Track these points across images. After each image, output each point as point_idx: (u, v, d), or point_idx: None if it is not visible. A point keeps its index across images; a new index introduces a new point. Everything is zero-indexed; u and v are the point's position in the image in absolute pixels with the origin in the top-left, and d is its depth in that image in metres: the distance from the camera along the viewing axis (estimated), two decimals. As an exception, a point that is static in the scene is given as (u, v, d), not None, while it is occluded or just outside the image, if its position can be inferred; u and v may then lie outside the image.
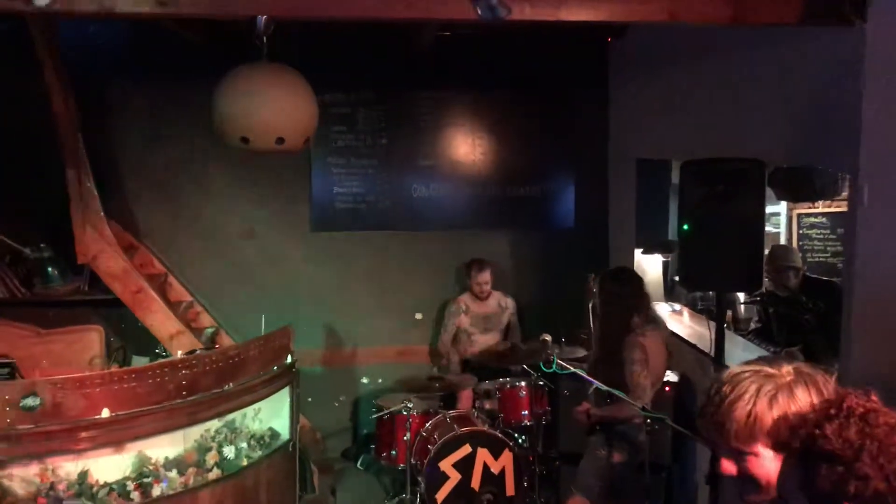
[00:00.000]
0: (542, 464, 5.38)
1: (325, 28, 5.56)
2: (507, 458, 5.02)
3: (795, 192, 5.47)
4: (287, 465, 4.93)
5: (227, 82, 4.47)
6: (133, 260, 5.82)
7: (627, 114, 6.15)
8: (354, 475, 6.12)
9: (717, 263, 3.57)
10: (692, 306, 5.81)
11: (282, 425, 4.93)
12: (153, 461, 4.19)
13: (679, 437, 4.71)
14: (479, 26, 5.38)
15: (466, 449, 5.01)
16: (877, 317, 2.96)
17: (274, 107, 4.41)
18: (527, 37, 6.14)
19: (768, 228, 5.51)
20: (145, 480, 4.06)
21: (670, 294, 6.06)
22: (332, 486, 5.82)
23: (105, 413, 3.86)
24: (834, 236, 6.83)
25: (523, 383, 5.39)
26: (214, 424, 4.49)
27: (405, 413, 5.25)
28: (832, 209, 6.80)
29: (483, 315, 6.25)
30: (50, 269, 5.72)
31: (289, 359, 4.96)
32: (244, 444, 4.58)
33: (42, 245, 5.70)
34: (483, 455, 5.02)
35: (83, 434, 3.83)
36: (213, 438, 4.47)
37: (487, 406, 5.50)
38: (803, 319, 4.44)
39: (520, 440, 5.34)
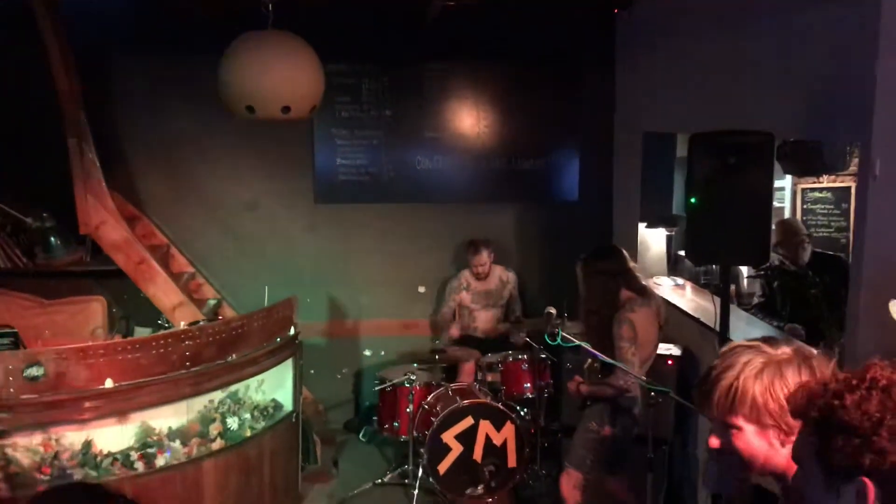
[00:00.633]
0: (544, 436, 5.40)
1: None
2: (509, 430, 5.04)
3: (803, 165, 5.43)
4: (290, 437, 4.95)
5: (232, 50, 4.42)
6: (135, 231, 5.80)
7: (634, 86, 6.09)
8: (357, 447, 6.15)
9: (725, 237, 3.54)
10: (695, 281, 5.80)
11: (285, 397, 4.95)
12: (157, 431, 4.21)
13: (681, 412, 4.71)
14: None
15: (469, 421, 5.04)
16: (885, 291, 2.94)
17: (280, 75, 4.36)
18: (533, 8, 6.06)
19: (773, 203, 5.48)
20: (149, 451, 4.08)
21: (674, 268, 6.04)
22: (335, 457, 5.85)
23: (108, 383, 3.87)
24: (838, 211, 6.81)
25: (525, 356, 5.40)
26: (218, 395, 4.50)
27: (408, 385, 5.26)
28: (836, 184, 6.77)
29: (484, 291, 6.24)
30: (52, 238, 5.70)
31: (292, 330, 4.97)
32: (247, 415, 4.60)
33: (44, 215, 5.67)
34: (485, 427, 5.04)
35: (87, 404, 3.85)
36: (216, 409, 4.49)
37: (490, 379, 5.52)
38: (809, 294, 4.42)
39: (522, 412, 5.35)
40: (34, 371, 3.68)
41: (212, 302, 6.11)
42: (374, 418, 5.69)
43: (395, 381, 5.37)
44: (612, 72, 6.41)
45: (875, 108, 2.88)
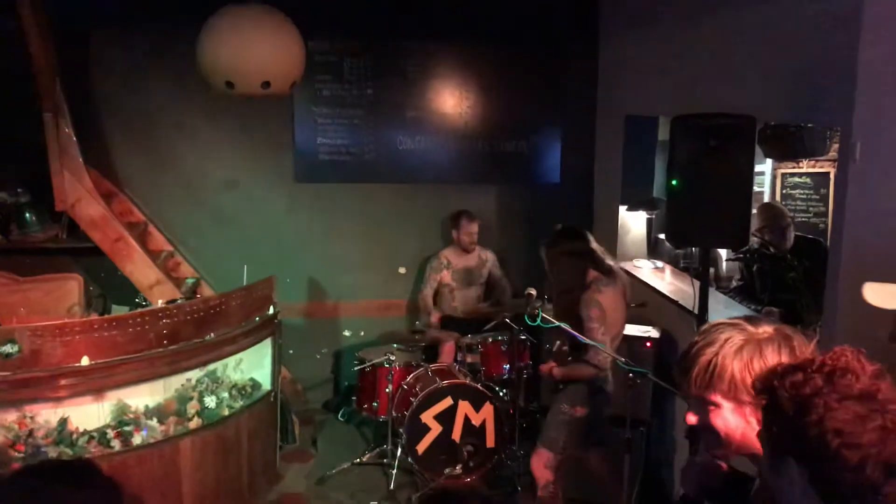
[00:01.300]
0: (523, 417, 5.42)
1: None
2: (487, 410, 5.05)
3: (784, 149, 5.45)
4: (268, 416, 4.95)
5: (212, 24, 4.37)
6: (112, 208, 5.73)
7: (617, 69, 6.08)
8: (335, 426, 6.14)
9: (705, 220, 3.54)
10: (675, 264, 5.82)
11: (263, 376, 4.94)
12: (133, 410, 4.19)
13: (659, 393, 4.74)
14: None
15: (448, 401, 5.04)
16: (863, 275, 2.96)
17: (260, 50, 4.31)
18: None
19: (753, 187, 5.51)
20: (126, 429, 4.07)
21: (653, 251, 6.06)
22: (314, 436, 5.84)
23: (85, 361, 3.84)
24: (817, 196, 6.84)
25: (504, 337, 5.41)
26: (195, 374, 4.49)
27: (387, 365, 5.26)
28: (816, 169, 6.80)
29: (464, 269, 6.23)
30: (28, 215, 5.63)
31: (271, 310, 4.95)
32: (225, 394, 4.59)
33: (19, 190, 5.59)
34: (464, 407, 5.05)
35: (62, 382, 3.83)
36: (194, 388, 4.48)
37: (469, 360, 5.53)
38: (788, 277, 4.45)
39: (501, 393, 5.37)
40: (8, 348, 3.64)
41: (190, 281, 6.05)
42: (354, 398, 5.69)
43: (374, 362, 5.36)
44: (596, 54, 6.39)
45: (856, 93, 2.89)
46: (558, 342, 4.30)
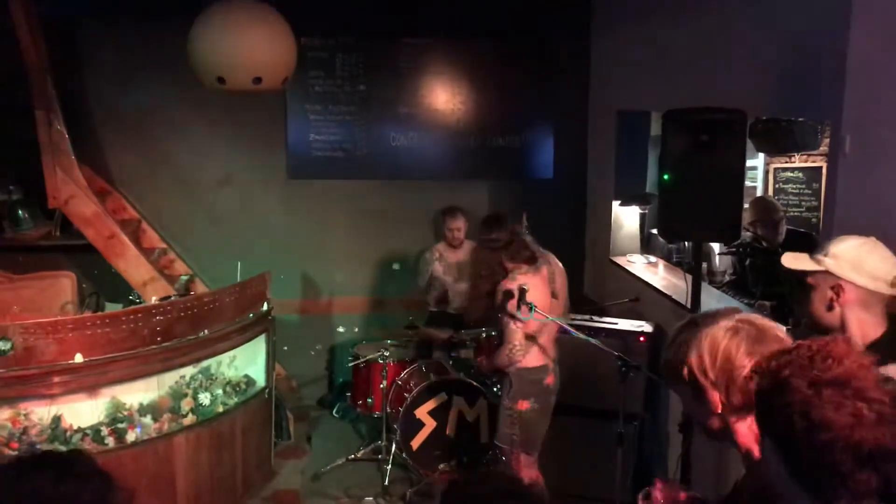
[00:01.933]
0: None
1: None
2: (482, 406, 5.06)
3: (775, 143, 5.47)
4: (263, 412, 4.95)
5: (203, 19, 4.36)
6: (105, 205, 5.71)
7: (609, 64, 6.09)
8: (330, 423, 6.15)
9: (697, 214, 3.56)
10: (667, 258, 5.84)
11: (257, 373, 4.94)
12: (127, 407, 4.19)
13: (651, 387, 4.76)
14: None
15: (442, 397, 5.06)
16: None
17: (251, 45, 4.31)
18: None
19: (745, 182, 5.53)
20: (120, 426, 4.07)
21: (646, 246, 6.07)
22: (308, 433, 5.85)
23: (78, 358, 3.84)
24: (809, 191, 6.86)
25: (497, 333, 5.42)
26: (189, 371, 4.49)
27: (381, 361, 5.27)
28: (808, 163, 6.82)
29: (456, 263, 6.22)
30: (20, 212, 5.61)
31: (265, 306, 4.95)
32: (220, 391, 4.59)
33: (12, 188, 5.58)
34: (458, 403, 5.07)
35: (56, 379, 3.82)
36: (188, 385, 4.48)
37: (463, 355, 5.53)
38: (780, 272, 4.45)
39: (495, 389, 5.37)
40: (1, 345, 3.64)
41: (184, 278, 6.05)
42: (348, 394, 5.70)
43: (368, 358, 5.37)
44: (588, 49, 6.40)
45: (846, 87, 2.91)
46: (484, 333, 4.30)
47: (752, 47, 3.80)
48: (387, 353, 5.29)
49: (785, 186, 7.00)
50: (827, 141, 4.98)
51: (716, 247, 5.63)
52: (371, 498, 4.98)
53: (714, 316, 1.78)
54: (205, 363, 4.57)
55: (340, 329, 6.66)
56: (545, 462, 4.86)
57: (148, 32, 5.88)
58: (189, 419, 4.35)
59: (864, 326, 2.24)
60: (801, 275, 2.34)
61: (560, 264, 4.35)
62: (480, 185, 6.57)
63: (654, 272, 5.55)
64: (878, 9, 2.87)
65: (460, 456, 5.04)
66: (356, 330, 6.62)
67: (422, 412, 5.06)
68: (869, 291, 2.23)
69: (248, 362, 4.91)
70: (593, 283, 6.44)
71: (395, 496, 5.01)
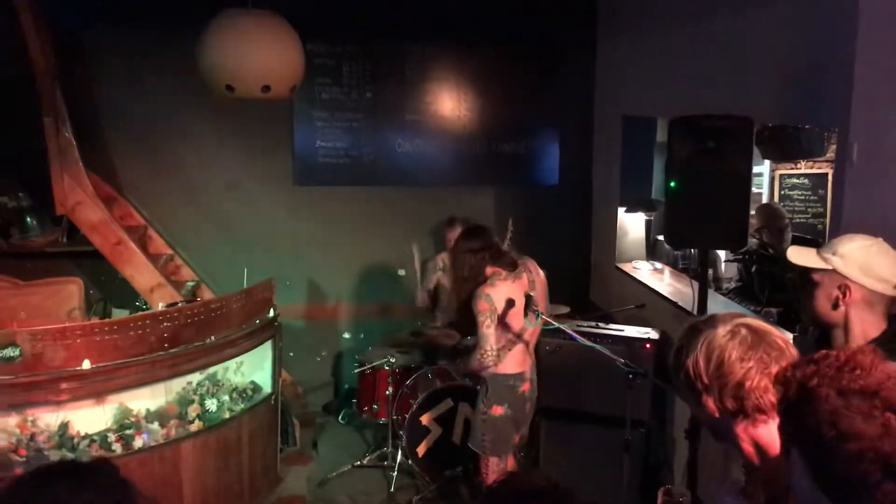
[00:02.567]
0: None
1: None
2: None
3: (782, 150, 5.47)
4: (269, 419, 4.96)
5: (212, 28, 4.38)
6: (112, 212, 5.74)
7: (615, 70, 6.10)
8: (336, 429, 6.15)
9: (704, 221, 3.56)
10: (673, 265, 5.84)
11: (264, 379, 4.94)
12: (134, 413, 4.20)
13: (658, 394, 4.76)
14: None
15: (448, 403, 5.05)
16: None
17: (260, 54, 4.33)
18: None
19: (752, 188, 5.53)
20: (127, 432, 4.08)
21: (652, 253, 6.08)
22: (314, 439, 5.85)
23: (86, 364, 3.84)
24: (815, 197, 6.86)
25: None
26: (196, 377, 4.50)
27: (387, 368, 5.27)
28: (813, 170, 6.82)
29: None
30: (28, 218, 5.64)
31: (271, 312, 4.96)
32: (226, 397, 4.60)
33: (20, 194, 5.60)
34: (464, 409, 5.06)
35: (63, 385, 3.83)
36: (194, 391, 4.48)
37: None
38: (787, 278, 4.46)
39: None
40: (10, 352, 3.65)
41: (190, 284, 6.07)
42: (354, 401, 5.70)
43: (374, 364, 5.37)
44: (593, 55, 6.42)
45: (853, 94, 2.91)
46: (468, 339, 4.28)
47: (759, 54, 3.80)
48: (392, 360, 5.29)
49: (790, 193, 7.01)
50: (833, 148, 4.99)
51: (722, 253, 5.63)
52: (377, 504, 4.98)
53: (715, 320, 1.79)
54: (211, 369, 4.58)
55: (346, 335, 6.66)
56: (551, 469, 4.87)
57: (156, 40, 5.91)
58: (196, 425, 4.35)
59: (866, 325, 2.26)
60: (807, 270, 2.34)
61: (541, 273, 4.31)
62: (486, 191, 6.58)
63: (659, 279, 5.55)
64: (886, 15, 2.87)
65: (466, 463, 5.04)
66: (362, 336, 6.62)
67: (427, 419, 5.06)
68: (874, 292, 2.24)
69: (254, 368, 4.92)
70: (599, 290, 6.44)
71: (401, 503, 5.01)
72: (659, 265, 5.78)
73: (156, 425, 4.23)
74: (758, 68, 3.81)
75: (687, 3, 4.74)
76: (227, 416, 4.53)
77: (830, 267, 2.28)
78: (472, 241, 4.11)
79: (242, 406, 4.66)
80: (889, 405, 1.30)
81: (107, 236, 5.55)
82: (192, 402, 4.42)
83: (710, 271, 5.33)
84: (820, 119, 3.64)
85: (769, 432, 1.66)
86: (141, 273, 5.61)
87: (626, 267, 5.84)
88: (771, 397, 1.64)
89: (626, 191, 5.94)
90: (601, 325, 4.99)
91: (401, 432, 5.11)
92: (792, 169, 6.97)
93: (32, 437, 3.85)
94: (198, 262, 6.32)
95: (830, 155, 5.68)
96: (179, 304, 4.97)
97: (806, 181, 6.92)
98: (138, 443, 4.09)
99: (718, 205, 3.52)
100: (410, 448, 5.05)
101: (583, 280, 6.65)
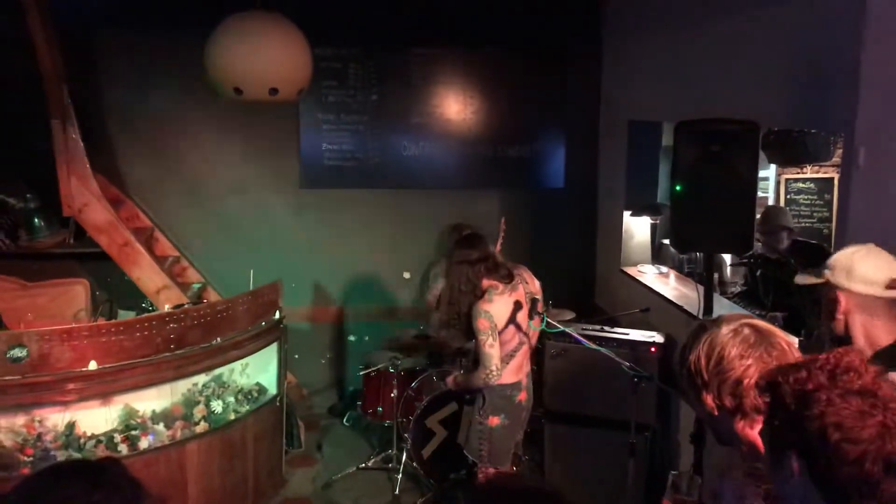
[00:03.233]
0: (528, 422, 5.41)
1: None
2: (493, 415, 5.05)
3: (787, 155, 5.47)
4: (274, 420, 4.97)
5: (220, 31, 4.41)
6: (119, 213, 5.76)
7: (621, 74, 6.10)
8: (341, 431, 6.15)
9: (709, 225, 3.56)
10: (679, 269, 5.84)
11: (269, 380, 4.95)
12: (140, 414, 4.22)
13: (663, 398, 4.75)
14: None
15: (452, 406, 5.05)
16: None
17: (268, 56, 4.35)
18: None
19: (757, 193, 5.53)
20: (133, 433, 4.09)
21: (657, 256, 6.07)
22: (319, 441, 5.86)
23: (92, 365, 3.86)
24: (821, 201, 6.85)
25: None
26: (202, 378, 4.51)
27: (392, 370, 5.28)
28: (819, 174, 6.81)
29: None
30: (36, 220, 5.66)
31: (277, 314, 4.97)
32: (232, 399, 4.61)
33: (28, 196, 5.63)
34: (469, 413, 5.05)
35: (70, 386, 3.85)
36: (200, 392, 4.50)
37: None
38: (792, 282, 4.45)
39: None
40: (17, 352, 3.66)
41: (196, 286, 6.09)
42: (359, 403, 5.70)
43: (379, 366, 5.38)
44: (599, 59, 6.42)
45: (860, 98, 2.91)
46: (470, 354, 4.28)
47: (765, 58, 3.80)
48: (397, 362, 5.30)
49: (796, 197, 7.00)
50: (839, 152, 4.98)
51: (727, 257, 5.63)
52: (381, 507, 4.98)
53: (720, 320, 1.80)
54: (217, 371, 4.59)
55: (351, 337, 6.67)
56: (556, 473, 4.87)
57: (163, 42, 5.93)
58: (201, 427, 4.37)
59: (872, 332, 2.27)
60: (812, 290, 2.38)
61: (536, 282, 4.31)
62: (492, 194, 6.58)
63: (665, 282, 5.54)
64: (892, 20, 2.87)
65: (471, 466, 5.03)
66: (367, 338, 6.62)
67: (432, 421, 5.06)
68: (867, 296, 2.25)
69: (259, 370, 4.93)
70: (604, 293, 6.44)
71: (406, 505, 5.01)
72: (664, 269, 5.78)
73: (161, 426, 4.24)
74: (764, 72, 3.81)
75: (692, 7, 4.74)
76: (232, 417, 4.54)
77: (823, 280, 2.32)
78: (469, 251, 4.07)
79: (248, 408, 4.68)
80: (884, 404, 1.31)
81: (113, 238, 5.58)
82: (198, 403, 4.44)
83: (716, 275, 5.33)
84: (826, 123, 3.64)
85: None
86: (147, 275, 5.63)
87: (632, 271, 5.85)
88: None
89: (632, 194, 5.94)
90: (606, 328, 4.99)
91: (405, 435, 5.11)
92: (798, 173, 6.96)
93: (39, 437, 3.87)
94: (204, 264, 6.33)
95: (836, 159, 5.68)
96: (185, 306, 4.99)
97: (812, 186, 6.91)
98: (144, 444, 4.11)
99: (724, 209, 3.52)
100: (415, 451, 5.05)
101: (588, 284, 6.65)
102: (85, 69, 5.88)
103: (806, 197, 6.95)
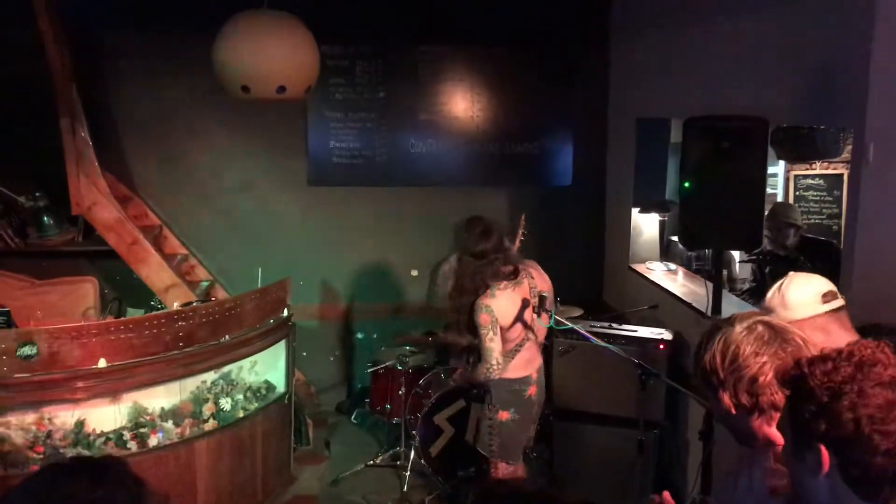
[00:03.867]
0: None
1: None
2: (501, 413, 5.04)
3: (797, 151, 5.44)
4: (282, 418, 4.98)
5: (228, 30, 4.41)
6: (127, 211, 5.78)
7: (629, 70, 6.08)
8: (349, 428, 6.16)
9: (718, 222, 3.55)
10: (687, 266, 5.82)
11: (277, 378, 4.96)
12: (149, 412, 4.23)
13: (672, 395, 4.74)
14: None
15: (460, 404, 5.05)
16: (876, 276, 2.97)
17: (276, 54, 4.35)
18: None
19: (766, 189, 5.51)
20: (142, 430, 4.10)
21: (666, 253, 6.06)
22: (327, 438, 5.87)
23: (101, 363, 3.87)
24: (830, 198, 6.83)
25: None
26: (210, 376, 4.52)
27: (400, 368, 5.28)
28: (828, 171, 6.79)
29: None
30: (45, 218, 5.68)
31: (285, 312, 4.98)
32: (240, 396, 4.62)
33: (37, 194, 5.65)
34: (477, 410, 5.05)
35: (80, 384, 3.87)
36: (209, 390, 4.51)
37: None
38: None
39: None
40: (27, 350, 3.68)
41: (204, 284, 6.11)
42: (367, 400, 5.71)
43: (387, 364, 5.39)
44: (607, 56, 6.40)
45: (869, 94, 2.90)
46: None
47: (774, 54, 3.78)
48: (405, 360, 5.30)
49: (805, 193, 6.97)
50: (849, 148, 4.96)
51: (736, 254, 5.61)
52: (390, 504, 4.99)
53: (733, 319, 1.79)
54: (226, 368, 4.60)
55: (359, 335, 6.68)
56: (565, 470, 4.87)
57: (171, 41, 5.93)
58: (210, 424, 4.38)
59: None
60: None
61: (545, 276, 4.29)
62: (499, 191, 6.57)
63: (673, 279, 5.53)
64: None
65: (479, 463, 5.04)
66: (375, 336, 6.63)
67: (440, 419, 5.06)
68: (813, 318, 2.27)
69: (268, 368, 4.94)
70: (612, 290, 6.43)
71: (414, 503, 5.01)
72: (673, 266, 5.76)
73: (170, 424, 4.25)
74: (772, 69, 3.79)
75: (701, 3, 4.72)
76: (241, 415, 4.55)
77: None
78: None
79: (256, 405, 4.69)
80: None
81: (122, 236, 5.59)
82: (207, 400, 4.45)
83: (725, 272, 5.31)
84: (835, 119, 3.63)
85: None
86: (156, 273, 5.65)
87: (640, 268, 5.83)
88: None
89: (640, 191, 5.92)
90: (614, 325, 4.98)
91: (413, 432, 5.12)
92: (807, 170, 6.94)
93: (49, 434, 3.89)
94: (212, 262, 6.35)
95: (846, 155, 5.66)
96: (194, 304, 5.00)
97: (821, 182, 6.88)
98: (153, 441, 4.12)
99: (733, 206, 3.51)
100: (423, 448, 5.06)
101: (596, 281, 6.63)
102: (93, 68, 5.89)
103: (815, 193, 6.93)
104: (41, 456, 3.78)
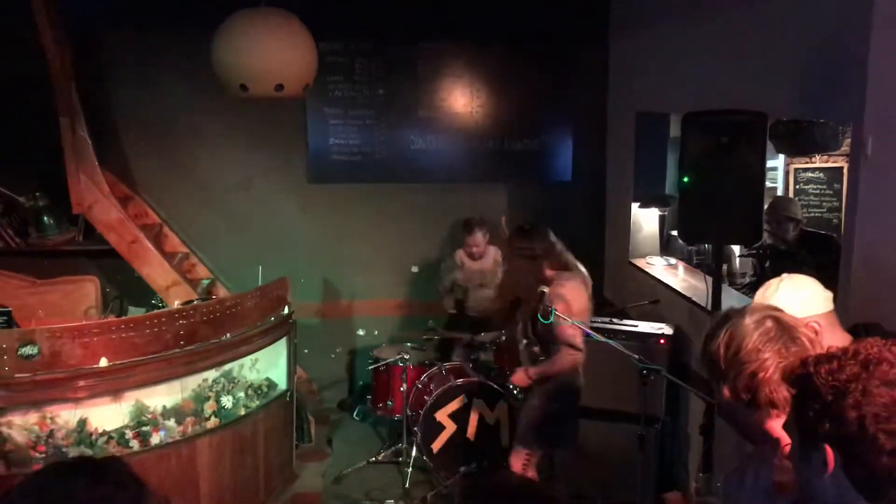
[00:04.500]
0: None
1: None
2: (502, 409, 5.06)
3: (796, 144, 5.44)
4: (284, 415, 4.99)
5: (225, 28, 4.41)
6: (128, 210, 5.79)
7: (628, 66, 6.08)
8: (350, 425, 6.17)
9: (718, 216, 3.54)
10: (688, 260, 5.82)
11: (279, 376, 4.97)
12: (151, 410, 4.23)
13: (672, 390, 4.74)
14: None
15: (462, 400, 5.06)
16: (876, 271, 2.97)
17: (273, 53, 4.36)
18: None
19: (766, 182, 5.50)
20: (144, 429, 4.11)
21: (666, 248, 6.05)
22: (329, 436, 5.88)
23: (103, 362, 3.88)
24: (830, 191, 6.82)
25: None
26: (212, 374, 4.52)
27: (401, 364, 5.29)
28: (829, 164, 6.78)
29: (479, 271, 6.20)
30: (45, 218, 5.68)
31: (286, 310, 4.99)
32: (242, 394, 4.63)
33: (37, 194, 5.66)
34: (478, 406, 5.07)
35: (81, 383, 3.87)
36: (210, 388, 4.51)
37: (483, 358, 5.53)
38: (801, 273, 4.43)
39: (515, 392, 5.37)
40: (29, 350, 3.69)
41: (205, 282, 6.11)
42: (368, 397, 5.72)
43: (388, 361, 5.39)
44: (606, 51, 6.39)
45: (868, 87, 2.89)
46: (525, 341, 4.32)
47: (773, 48, 3.78)
48: (407, 356, 5.31)
49: (805, 187, 6.97)
50: (848, 141, 4.96)
51: (736, 248, 5.61)
52: (392, 501, 4.99)
53: (744, 310, 1.78)
54: (227, 366, 4.61)
55: (360, 332, 6.68)
56: (565, 465, 4.87)
57: (170, 40, 5.93)
58: (212, 422, 4.39)
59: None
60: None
61: (583, 270, 4.36)
62: (499, 188, 6.58)
63: (673, 274, 5.53)
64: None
65: (481, 459, 5.05)
66: (376, 333, 6.64)
67: (442, 415, 5.07)
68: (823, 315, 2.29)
69: (269, 365, 4.94)
70: (613, 286, 6.43)
71: (416, 499, 5.02)
72: (673, 261, 5.76)
73: (172, 422, 4.26)
74: (771, 63, 3.79)
75: (700, -3, 4.72)
76: (242, 412, 4.56)
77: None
78: (528, 242, 4.14)
79: (258, 403, 4.69)
80: None
81: (122, 235, 5.60)
82: (209, 398, 4.45)
83: (725, 266, 5.31)
84: (834, 113, 3.63)
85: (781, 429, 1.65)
86: (157, 271, 5.66)
87: (640, 262, 5.83)
88: (785, 392, 1.62)
89: (640, 186, 5.92)
90: (615, 320, 4.99)
91: (415, 429, 5.13)
92: (807, 163, 6.93)
93: (51, 433, 3.89)
94: (212, 261, 6.36)
95: (845, 149, 5.65)
96: (195, 302, 5.01)
97: (821, 175, 6.87)
98: (155, 439, 4.13)
99: (732, 200, 3.50)
100: (425, 444, 5.07)
101: (596, 276, 6.57)
102: (93, 67, 5.89)
103: (815, 187, 6.92)
104: (43, 455, 3.78)
